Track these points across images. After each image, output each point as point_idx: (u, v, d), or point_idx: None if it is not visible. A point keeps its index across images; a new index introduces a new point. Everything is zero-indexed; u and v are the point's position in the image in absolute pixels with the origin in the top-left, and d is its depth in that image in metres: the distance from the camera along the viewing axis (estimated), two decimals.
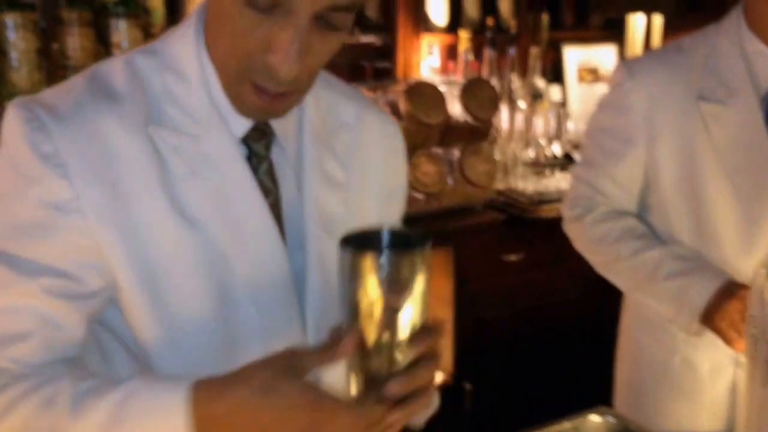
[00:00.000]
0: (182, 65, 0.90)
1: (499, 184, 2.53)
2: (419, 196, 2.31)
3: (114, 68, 0.90)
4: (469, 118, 2.39)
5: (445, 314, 2.35)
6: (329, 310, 0.94)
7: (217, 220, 0.89)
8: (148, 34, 1.88)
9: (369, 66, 2.78)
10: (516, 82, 2.81)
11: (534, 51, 2.88)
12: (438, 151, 2.37)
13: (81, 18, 1.77)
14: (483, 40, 2.81)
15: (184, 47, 0.90)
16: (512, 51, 2.82)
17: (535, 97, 2.84)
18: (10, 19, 1.68)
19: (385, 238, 0.84)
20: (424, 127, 2.29)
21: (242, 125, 0.91)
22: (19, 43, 1.70)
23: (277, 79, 0.83)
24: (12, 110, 0.85)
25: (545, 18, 3.01)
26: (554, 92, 2.98)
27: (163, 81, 0.89)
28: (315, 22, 0.81)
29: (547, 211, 2.43)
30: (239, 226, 0.90)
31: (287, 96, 0.87)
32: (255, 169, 0.93)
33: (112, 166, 0.85)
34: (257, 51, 0.82)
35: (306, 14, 0.80)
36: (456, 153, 2.40)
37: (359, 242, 0.81)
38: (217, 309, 0.90)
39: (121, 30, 1.81)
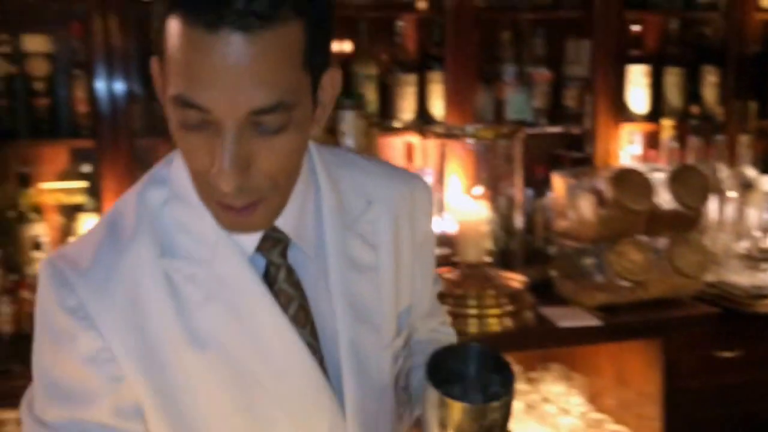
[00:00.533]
0: (187, 192, 0.90)
1: (710, 276, 2.39)
2: (625, 284, 2.23)
3: (128, 207, 0.93)
4: (677, 206, 2.31)
5: (652, 412, 2.22)
6: (367, 399, 0.95)
7: (236, 341, 0.89)
8: (370, 123, 2.02)
9: (566, 155, 2.78)
10: (724, 170, 2.69)
11: (743, 139, 2.75)
12: (644, 239, 2.29)
13: None
14: (687, 127, 2.74)
15: (185, 174, 0.90)
16: (719, 139, 2.73)
17: (746, 186, 2.69)
18: None
19: (473, 370, 0.86)
20: (630, 214, 2.23)
21: (252, 239, 0.91)
22: None
23: (220, 192, 0.81)
24: (41, 268, 0.90)
25: (753, 106, 2.88)
26: (766, 182, 2.81)
27: (171, 212, 0.91)
28: (249, 129, 0.79)
29: (765, 306, 2.26)
30: (260, 343, 0.90)
31: (255, 206, 0.84)
32: (274, 279, 0.93)
33: (133, 305, 0.88)
34: (204, 169, 0.82)
35: (231, 125, 0.78)
36: (663, 242, 2.31)
37: (446, 370, 0.83)
38: (249, 425, 0.91)
39: (347, 120, 1.96)
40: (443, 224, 2.54)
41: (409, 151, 2.56)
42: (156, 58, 0.85)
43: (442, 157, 2.53)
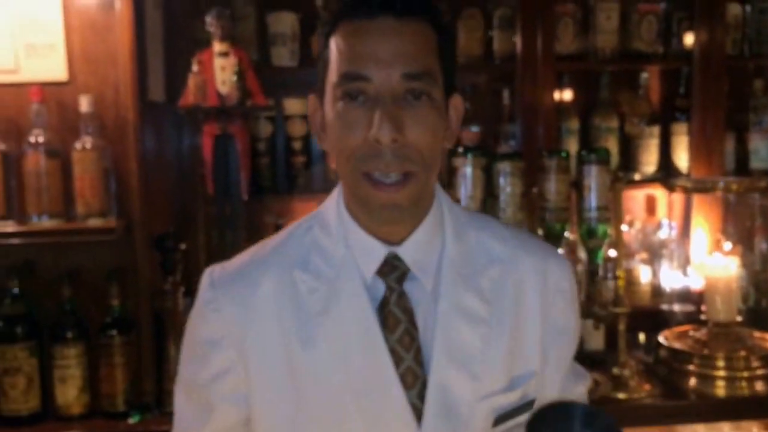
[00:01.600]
0: (328, 219, 1.06)
1: None
2: None
3: (291, 230, 1.09)
4: None
5: None
6: None
7: (335, 351, 0.99)
8: (615, 178, 1.99)
9: None
10: None
11: None
12: None
13: (559, 165, 1.95)
14: None
15: (330, 204, 1.07)
16: None
17: None
18: (504, 167, 1.92)
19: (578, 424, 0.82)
20: None
21: (373, 263, 1.01)
22: (508, 187, 1.92)
23: (378, 154, 0.93)
24: (203, 274, 1.09)
25: None
26: None
27: (312, 235, 1.06)
28: (401, 98, 0.94)
29: None
30: (354, 356, 1.00)
31: (404, 182, 0.95)
32: (387, 301, 1.01)
33: (259, 304, 1.02)
34: (361, 138, 0.95)
35: (387, 90, 0.94)
36: None
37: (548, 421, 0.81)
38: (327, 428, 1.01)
39: (592, 175, 1.94)
40: (687, 280, 2.42)
41: (651, 203, 2.48)
42: (314, 96, 1.03)
43: (688, 210, 2.42)
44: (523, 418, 1.04)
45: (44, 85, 2.01)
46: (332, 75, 0.97)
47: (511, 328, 1.04)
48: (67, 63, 2.04)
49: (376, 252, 1.02)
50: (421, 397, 1.00)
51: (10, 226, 1.98)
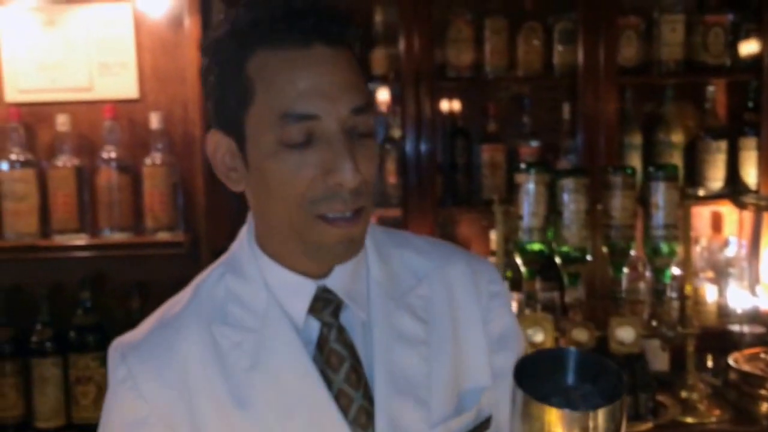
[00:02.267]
0: (242, 265, 0.96)
1: None
2: None
3: (190, 286, 0.99)
4: None
5: None
6: None
7: (274, 410, 0.90)
8: (684, 195, 1.95)
9: None
10: None
11: None
12: None
13: (625, 181, 1.92)
14: None
15: (241, 248, 0.97)
16: None
17: None
18: (567, 183, 1.90)
19: (571, 375, 0.69)
20: None
21: (302, 302, 0.93)
22: (571, 204, 1.90)
23: (347, 191, 0.86)
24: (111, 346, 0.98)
25: None
26: None
27: (226, 284, 0.96)
28: (350, 132, 0.87)
29: None
30: (297, 412, 0.90)
31: (360, 215, 0.89)
32: (325, 340, 0.93)
33: (181, 372, 0.92)
34: (314, 183, 0.86)
35: (337, 127, 0.86)
36: None
37: (538, 372, 0.69)
38: None
39: (659, 192, 1.91)
40: (756, 300, 2.35)
41: (717, 220, 2.42)
42: (216, 131, 0.91)
43: (757, 228, 2.35)
44: None
45: (116, 103, 2.08)
46: (263, 111, 0.87)
47: (451, 344, 0.98)
48: (138, 81, 2.10)
49: (304, 289, 0.93)
50: None
51: (82, 239, 2.05)
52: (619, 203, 1.93)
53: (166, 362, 0.93)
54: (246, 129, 0.88)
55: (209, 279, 0.98)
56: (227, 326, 0.93)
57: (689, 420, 1.95)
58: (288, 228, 0.90)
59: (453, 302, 1.00)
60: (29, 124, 2.10)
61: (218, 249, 2.09)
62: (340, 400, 0.92)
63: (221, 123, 0.91)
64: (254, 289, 0.95)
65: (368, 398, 0.93)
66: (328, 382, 0.92)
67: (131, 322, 2.06)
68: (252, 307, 0.94)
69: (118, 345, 0.96)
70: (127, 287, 2.09)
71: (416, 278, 1.00)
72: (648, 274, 2.12)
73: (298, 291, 0.94)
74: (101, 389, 2.05)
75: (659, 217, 1.93)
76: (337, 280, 0.94)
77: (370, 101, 0.91)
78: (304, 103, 0.85)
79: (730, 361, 2.12)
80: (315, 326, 0.94)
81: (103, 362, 2.08)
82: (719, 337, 2.31)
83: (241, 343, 0.92)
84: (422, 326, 0.97)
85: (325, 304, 0.94)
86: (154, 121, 2.05)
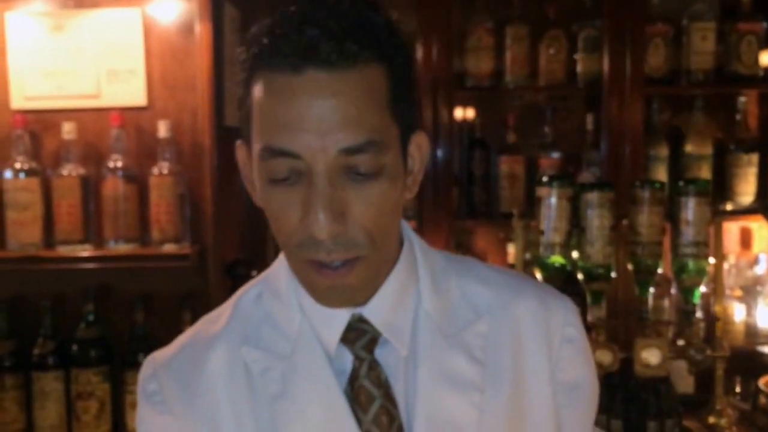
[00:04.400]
0: (279, 286, 0.90)
1: None
2: None
3: (228, 303, 0.94)
4: None
5: None
6: None
7: None
8: (715, 211, 1.86)
9: None
10: None
11: None
12: None
13: (653, 196, 1.83)
14: None
15: (279, 267, 0.91)
16: None
17: None
18: (591, 197, 1.81)
19: None
20: None
21: (334, 329, 0.85)
22: (595, 219, 1.81)
23: (316, 243, 0.77)
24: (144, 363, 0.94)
25: None
26: None
27: (262, 304, 0.91)
28: (342, 176, 0.76)
29: None
30: None
31: (352, 265, 0.79)
32: (356, 375, 0.85)
33: (207, 391, 0.87)
34: (297, 225, 0.78)
35: (321, 169, 0.76)
36: None
37: None
38: None
39: (690, 207, 1.81)
40: None
41: (746, 236, 2.33)
42: (240, 143, 0.85)
43: None
44: None
45: (124, 110, 2.02)
46: (255, 138, 0.80)
47: (510, 392, 0.86)
48: (147, 88, 2.04)
49: (337, 317, 0.85)
50: None
51: (87, 250, 1.99)
52: (646, 219, 1.83)
53: (195, 381, 0.89)
54: (253, 152, 0.82)
55: (247, 297, 0.93)
56: (258, 350, 0.88)
57: None
58: (288, 260, 0.85)
59: (518, 344, 0.88)
60: (35, 132, 2.05)
61: (226, 262, 2.05)
62: None
63: (245, 137, 0.84)
64: (289, 311, 0.88)
65: None
66: (359, 421, 0.84)
67: (135, 336, 2.05)
68: (285, 331, 0.88)
69: (152, 359, 0.94)
70: (132, 300, 2.02)
71: (476, 313, 0.88)
72: (673, 291, 2.03)
73: (331, 317, 0.86)
74: (103, 405, 1.99)
75: (689, 233, 1.83)
76: (375, 310, 0.85)
77: (374, 139, 0.76)
78: (283, 139, 0.76)
79: (760, 385, 2.02)
80: (349, 357, 0.86)
81: (105, 378, 2.05)
82: (748, 359, 2.21)
83: (271, 369, 0.86)
84: (478, 369, 0.86)
85: (359, 335, 0.85)
86: (162, 129, 1.98)
